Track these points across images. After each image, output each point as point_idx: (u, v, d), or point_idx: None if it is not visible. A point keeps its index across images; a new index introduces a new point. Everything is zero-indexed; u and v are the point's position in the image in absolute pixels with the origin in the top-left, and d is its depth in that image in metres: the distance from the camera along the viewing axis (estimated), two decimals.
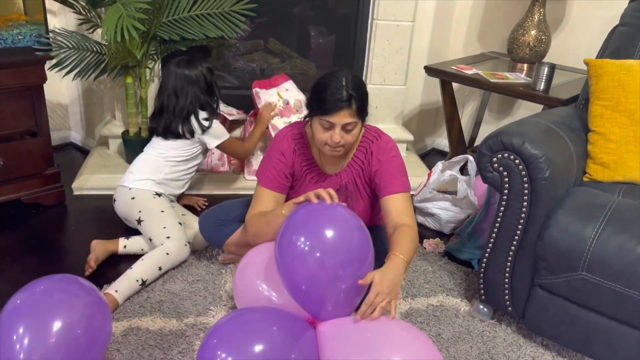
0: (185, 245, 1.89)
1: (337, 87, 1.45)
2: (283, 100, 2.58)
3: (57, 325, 1.23)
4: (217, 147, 2.14)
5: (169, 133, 2.04)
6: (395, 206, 1.54)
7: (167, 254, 1.84)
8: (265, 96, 2.52)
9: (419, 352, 1.21)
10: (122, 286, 1.72)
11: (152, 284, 1.81)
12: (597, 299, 1.46)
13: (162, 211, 1.94)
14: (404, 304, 1.83)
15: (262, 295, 1.46)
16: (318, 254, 1.28)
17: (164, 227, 1.89)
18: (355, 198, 1.70)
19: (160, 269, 1.82)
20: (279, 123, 2.52)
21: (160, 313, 1.69)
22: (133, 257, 1.87)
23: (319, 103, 1.47)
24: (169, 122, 2.03)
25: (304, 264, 1.28)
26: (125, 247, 1.94)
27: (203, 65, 2.07)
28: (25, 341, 1.20)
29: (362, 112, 1.51)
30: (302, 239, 1.29)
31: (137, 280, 1.75)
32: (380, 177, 1.59)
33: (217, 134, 2.11)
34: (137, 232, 1.99)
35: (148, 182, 2.02)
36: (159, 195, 2.03)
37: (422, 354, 1.21)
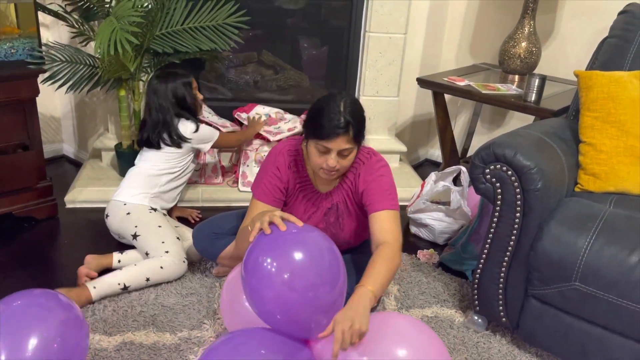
0: (183, 262, 1.89)
1: (335, 112, 1.44)
2: (265, 114, 2.65)
3: (32, 340, 1.23)
4: (212, 147, 2.22)
5: (149, 144, 2.07)
6: (379, 224, 1.52)
7: (161, 267, 1.84)
8: (246, 116, 2.62)
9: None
10: (102, 284, 1.76)
11: (145, 298, 1.80)
12: (590, 309, 1.47)
13: (159, 226, 1.95)
14: None
15: (250, 311, 1.43)
16: (286, 276, 1.21)
17: (162, 242, 1.90)
18: (347, 217, 1.70)
19: (147, 279, 1.82)
20: (271, 129, 2.57)
21: (154, 327, 1.68)
22: (103, 271, 1.88)
23: (316, 128, 1.46)
24: (146, 134, 2.08)
25: (270, 286, 1.23)
26: (119, 261, 1.93)
27: (177, 80, 2.08)
28: (1, 357, 1.19)
29: (358, 137, 1.50)
30: (269, 260, 1.23)
31: (119, 284, 1.78)
32: (367, 196, 1.58)
33: (206, 138, 2.15)
34: (131, 247, 1.98)
35: (143, 196, 2.02)
36: (154, 210, 2.03)
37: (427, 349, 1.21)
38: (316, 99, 1.53)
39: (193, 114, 2.14)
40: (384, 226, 1.51)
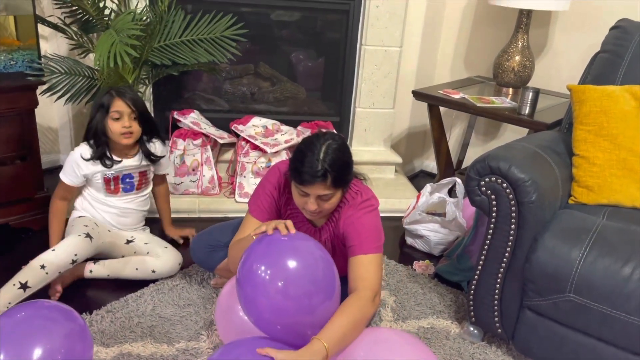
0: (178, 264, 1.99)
1: (313, 160, 1.39)
2: (261, 126, 2.65)
3: (36, 352, 1.23)
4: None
5: None
6: (354, 270, 1.46)
7: (153, 271, 1.93)
8: (243, 128, 2.63)
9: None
10: (97, 270, 1.92)
11: (143, 309, 1.80)
12: (584, 320, 1.49)
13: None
14: (396, 327, 1.84)
15: (245, 321, 1.44)
16: (280, 283, 1.24)
17: (165, 247, 1.99)
18: (333, 255, 1.62)
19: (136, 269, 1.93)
20: (268, 140, 2.58)
21: (152, 338, 1.68)
22: (99, 282, 1.93)
23: (295, 172, 1.43)
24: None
25: (265, 294, 1.25)
26: (91, 271, 1.93)
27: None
28: None
29: (339, 182, 1.44)
30: (263, 268, 1.26)
31: (109, 275, 1.92)
32: (347, 239, 1.52)
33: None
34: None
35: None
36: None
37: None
38: (303, 138, 1.49)
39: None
40: (358, 273, 1.45)
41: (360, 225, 1.50)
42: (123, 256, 1.99)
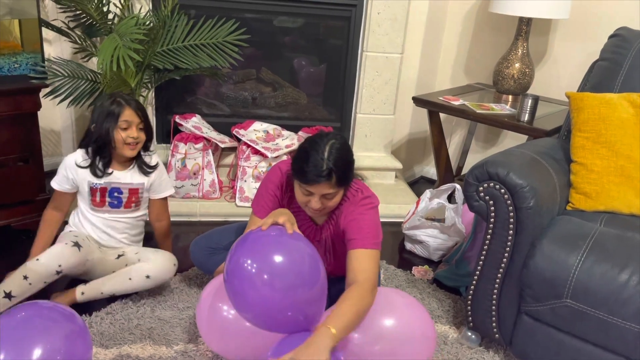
0: (174, 265, 1.90)
1: (318, 159, 1.41)
2: (262, 130, 2.67)
3: (36, 352, 1.24)
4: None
5: None
6: (353, 263, 1.47)
7: (148, 277, 1.83)
8: (244, 133, 2.64)
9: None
10: (89, 290, 1.82)
11: (142, 311, 1.81)
12: (581, 326, 1.49)
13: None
14: None
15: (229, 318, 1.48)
16: (266, 276, 1.28)
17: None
18: (333, 252, 1.68)
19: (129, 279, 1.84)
20: (269, 145, 2.60)
21: (151, 340, 1.69)
22: (95, 303, 1.84)
23: (299, 171, 1.45)
24: None
25: (252, 286, 1.29)
26: (82, 293, 1.81)
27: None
28: None
29: (342, 182, 1.47)
30: (249, 262, 1.30)
31: (102, 292, 1.82)
32: (347, 234, 1.54)
33: None
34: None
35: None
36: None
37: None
38: (305, 138, 1.52)
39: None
40: (357, 265, 1.46)
41: (362, 221, 1.52)
42: (114, 272, 1.87)
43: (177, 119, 2.63)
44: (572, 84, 2.51)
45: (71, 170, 1.86)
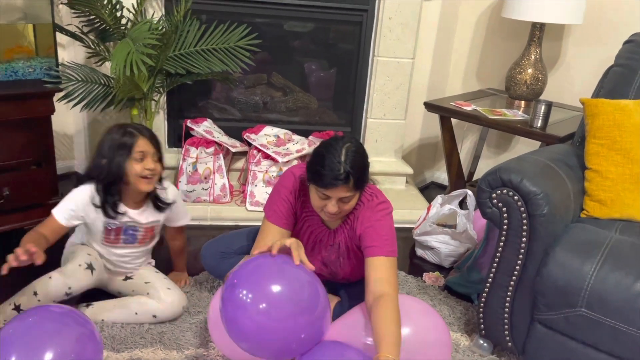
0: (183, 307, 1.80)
1: (335, 162, 1.40)
2: (273, 135, 2.67)
3: (48, 355, 1.25)
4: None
5: None
6: (376, 271, 1.46)
7: (154, 316, 1.75)
8: (255, 137, 2.64)
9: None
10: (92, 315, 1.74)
11: None
12: (595, 335, 1.48)
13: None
14: None
15: None
16: (261, 306, 1.25)
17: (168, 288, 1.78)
18: (346, 257, 1.67)
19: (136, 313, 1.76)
20: (280, 150, 2.59)
21: (161, 344, 1.69)
22: None
23: (316, 175, 1.44)
24: None
25: (247, 315, 1.27)
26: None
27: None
28: None
29: (359, 185, 1.46)
30: (245, 292, 1.27)
31: (104, 320, 1.75)
32: (364, 240, 1.53)
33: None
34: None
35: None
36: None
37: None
38: (320, 142, 1.51)
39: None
40: (382, 275, 1.45)
41: (380, 228, 1.52)
42: (119, 292, 1.82)
43: (189, 123, 2.63)
44: (585, 90, 2.49)
45: (83, 208, 1.70)
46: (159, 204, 1.78)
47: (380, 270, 1.46)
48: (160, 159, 1.72)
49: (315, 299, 1.33)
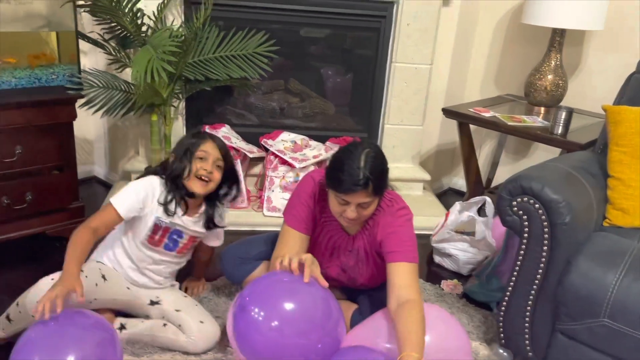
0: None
1: (354, 168, 1.41)
2: (290, 141, 2.68)
3: (70, 359, 1.26)
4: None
5: None
6: (400, 277, 1.46)
7: (186, 353, 1.68)
8: (272, 143, 2.65)
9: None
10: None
11: None
12: (619, 346, 1.45)
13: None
14: None
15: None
16: (274, 324, 1.28)
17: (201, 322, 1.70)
18: (365, 263, 1.67)
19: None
20: (297, 155, 2.60)
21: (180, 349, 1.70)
22: None
23: (335, 181, 1.44)
24: None
25: (258, 332, 1.29)
26: (121, 330, 1.69)
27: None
28: None
29: (378, 190, 1.46)
30: (257, 309, 1.30)
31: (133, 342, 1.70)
32: (386, 245, 1.53)
33: None
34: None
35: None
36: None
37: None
38: (339, 148, 1.51)
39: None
40: (406, 281, 1.45)
41: (403, 234, 1.53)
42: (147, 316, 1.75)
43: (207, 129, 2.65)
44: (607, 97, 2.46)
45: (144, 199, 1.66)
46: (210, 224, 1.78)
47: (404, 276, 1.46)
48: (225, 170, 1.71)
49: (326, 316, 1.34)
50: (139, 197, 1.65)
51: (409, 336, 1.31)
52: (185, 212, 1.72)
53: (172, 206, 1.68)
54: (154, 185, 1.69)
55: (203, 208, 1.76)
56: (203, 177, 1.66)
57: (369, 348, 1.36)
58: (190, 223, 1.74)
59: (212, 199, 1.77)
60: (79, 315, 1.40)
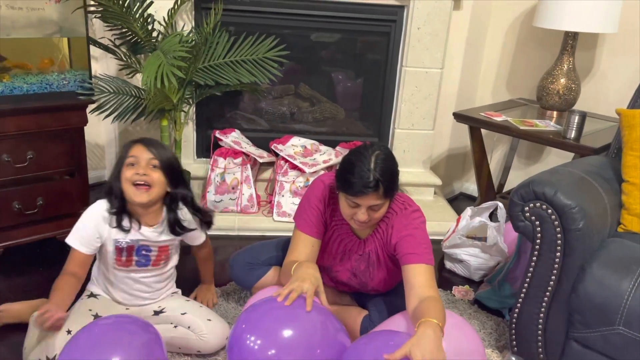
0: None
1: (364, 170, 1.41)
2: (300, 145, 2.67)
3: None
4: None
5: None
6: (419, 278, 1.46)
7: (198, 351, 1.68)
8: (282, 148, 2.65)
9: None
10: None
11: None
12: (634, 354, 1.42)
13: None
14: None
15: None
16: (271, 352, 1.27)
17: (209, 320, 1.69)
18: (377, 267, 1.65)
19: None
20: (307, 160, 2.59)
21: (188, 356, 1.69)
22: None
23: (346, 183, 1.44)
24: None
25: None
26: None
27: None
28: None
29: (389, 193, 1.46)
30: (253, 338, 1.29)
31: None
32: (402, 248, 1.52)
33: None
34: None
35: None
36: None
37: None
38: (350, 150, 1.51)
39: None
40: (425, 282, 1.45)
41: (419, 236, 1.53)
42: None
43: (217, 134, 2.66)
44: (620, 100, 2.42)
45: (95, 226, 1.58)
46: (176, 229, 1.65)
47: (424, 277, 1.46)
48: (162, 168, 1.56)
49: (325, 341, 1.33)
50: (89, 227, 1.57)
51: (428, 311, 1.32)
52: (140, 225, 1.61)
53: (125, 223, 1.58)
54: (100, 210, 1.59)
55: (163, 215, 1.65)
56: (138, 182, 1.53)
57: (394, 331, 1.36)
58: (153, 235, 1.63)
59: (169, 203, 1.64)
60: (124, 320, 1.41)
